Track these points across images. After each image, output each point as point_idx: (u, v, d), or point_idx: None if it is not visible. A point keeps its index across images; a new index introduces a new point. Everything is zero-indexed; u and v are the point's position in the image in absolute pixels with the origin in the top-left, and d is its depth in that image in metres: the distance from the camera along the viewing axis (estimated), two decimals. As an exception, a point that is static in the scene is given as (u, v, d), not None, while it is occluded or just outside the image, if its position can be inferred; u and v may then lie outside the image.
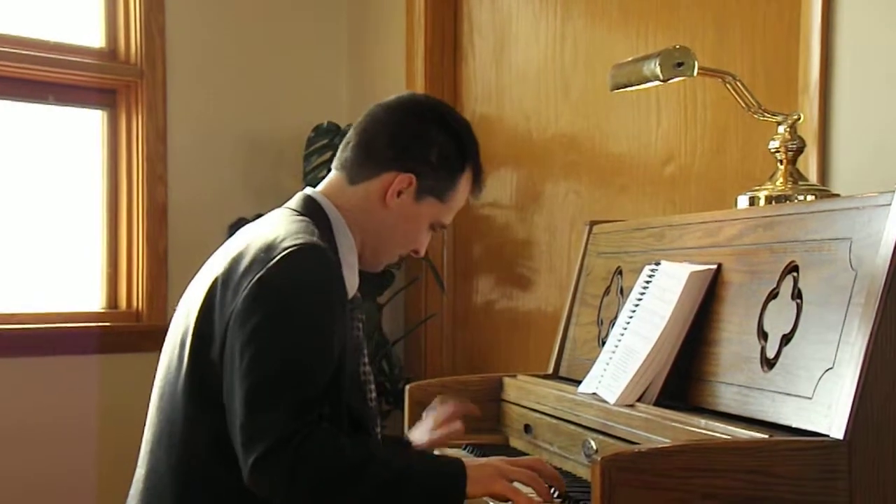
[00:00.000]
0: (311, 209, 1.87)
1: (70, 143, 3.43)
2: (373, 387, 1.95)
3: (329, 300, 1.70)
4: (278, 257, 1.67)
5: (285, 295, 1.66)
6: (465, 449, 2.17)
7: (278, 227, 1.78)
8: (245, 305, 1.65)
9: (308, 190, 1.93)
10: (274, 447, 1.58)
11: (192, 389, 1.72)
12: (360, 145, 1.91)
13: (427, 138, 1.89)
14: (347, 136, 1.95)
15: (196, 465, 1.71)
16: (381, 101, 1.96)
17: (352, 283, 1.86)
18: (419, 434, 2.12)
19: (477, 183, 1.98)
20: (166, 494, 1.73)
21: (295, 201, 1.92)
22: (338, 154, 1.95)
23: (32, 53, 3.25)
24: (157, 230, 3.41)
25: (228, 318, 1.67)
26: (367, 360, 1.94)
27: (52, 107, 3.36)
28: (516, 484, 1.70)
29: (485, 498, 1.79)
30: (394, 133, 1.90)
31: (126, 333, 3.36)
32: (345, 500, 1.63)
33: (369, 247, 1.92)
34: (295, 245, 1.69)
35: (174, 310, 1.87)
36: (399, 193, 1.87)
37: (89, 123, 3.44)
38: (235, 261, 1.74)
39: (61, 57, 3.31)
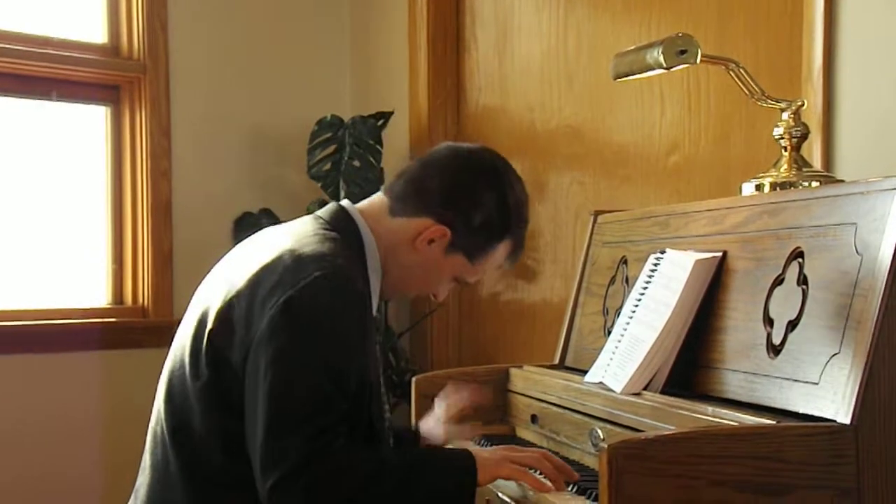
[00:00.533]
0: (342, 224, 1.84)
1: (74, 140, 3.43)
2: (388, 406, 1.95)
3: (355, 326, 1.69)
4: (308, 280, 1.65)
5: (311, 319, 1.65)
6: (472, 440, 2.17)
7: (309, 243, 1.76)
8: (271, 325, 1.64)
9: (345, 203, 1.90)
10: (289, 473, 1.59)
11: (208, 392, 1.71)
12: (413, 181, 1.88)
13: (478, 199, 1.85)
14: (408, 164, 1.92)
15: (208, 462, 1.72)
16: (456, 144, 1.94)
17: (373, 303, 1.85)
18: (431, 425, 2.11)
19: (513, 255, 1.93)
20: (177, 488, 1.74)
21: (327, 212, 1.88)
22: (392, 178, 1.92)
23: (35, 50, 3.25)
24: (161, 226, 3.41)
25: (254, 333, 1.66)
26: (381, 382, 1.92)
27: (56, 103, 3.36)
28: None
29: (496, 492, 1.80)
30: (448, 181, 1.86)
31: (132, 329, 3.37)
32: None
33: (389, 277, 1.89)
34: (324, 269, 1.67)
35: (180, 306, 1.86)
36: (431, 241, 1.84)
37: (93, 120, 3.45)
38: (263, 273, 1.71)
39: (64, 53, 3.31)
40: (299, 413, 1.62)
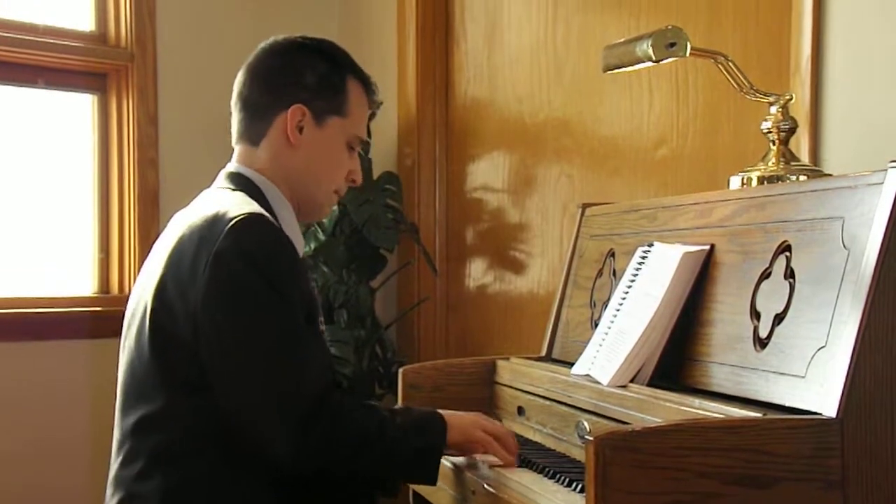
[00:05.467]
0: (239, 183, 1.88)
1: (61, 128, 3.41)
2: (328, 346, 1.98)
3: (288, 257, 1.72)
4: (227, 229, 1.68)
5: (245, 265, 1.67)
6: None
7: (215, 203, 1.78)
8: (209, 286, 1.66)
9: (229, 166, 1.93)
10: (314, 407, 1.65)
11: (164, 378, 1.72)
12: (243, 108, 1.92)
13: (294, 67, 1.90)
14: (231, 113, 1.96)
15: (178, 450, 1.72)
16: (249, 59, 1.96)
17: (298, 243, 1.87)
18: None
19: (368, 88, 1.97)
20: (149, 483, 1.72)
21: (221, 180, 1.91)
22: (232, 131, 1.95)
23: (22, 37, 3.23)
24: (148, 214, 3.40)
25: (195, 301, 1.67)
26: (322, 318, 1.95)
27: (43, 91, 3.34)
28: None
29: (481, 483, 1.80)
30: (263, 79, 1.91)
31: (118, 318, 3.28)
32: (363, 460, 1.70)
33: (301, 196, 1.92)
34: (237, 218, 1.70)
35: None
36: (301, 129, 1.88)
37: (80, 107, 3.43)
38: (182, 244, 1.74)
39: (52, 41, 3.29)
40: (280, 353, 1.66)
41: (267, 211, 1.82)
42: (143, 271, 1.87)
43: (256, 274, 1.67)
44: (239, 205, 1.75)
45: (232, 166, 1.92)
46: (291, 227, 1.87)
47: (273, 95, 1.89)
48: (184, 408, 1.71)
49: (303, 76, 1.88)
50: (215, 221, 1.71)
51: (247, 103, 1.92)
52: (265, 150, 1.89)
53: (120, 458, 1.79)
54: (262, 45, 1.96)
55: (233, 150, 1.96)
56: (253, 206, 1.76)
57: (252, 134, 1.91)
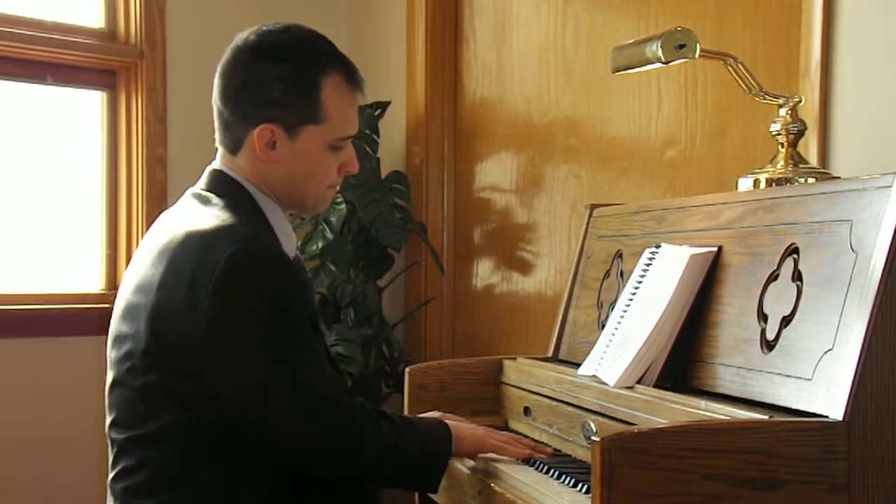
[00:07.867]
0: (226, 187, 1.83)
1: (69, 125, 3.42)
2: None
3: (287, 283, 1.71)
4: (225, 258, 1.64)
5: (248, 294, 1.66)
6: None
7: (206, 219, 1.74)
8: (212, 316, 1.64)
9: (215, 164, 1.87)
10: (342, 412, 1.70)
11: (159, 401, 1.71)
12: (218, 118, 1.86)
13: (259, 80, 1.79)
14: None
15: (177, 467, 1.72)
16: (221, 63, 1.86)
17: (289, 246, 1.84)
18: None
19: (349, 78, 1.83)
20: (147, 499, 1.73)
21: (206, 181, 1.86)
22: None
23: (31, 33, 3.24)
24: (156, 212, 3.35)
25: (197, 332, 1.64)
26: (323, 327, 2.00)
27: (52, 87, 3.35)
28: None
29: (488, 483, 1.80)
30: (230, 95, 1.82)
31: None
32: (381, 468, 1.75)
33: (290, 197, 1.86)
34: (236, 242, 1.66)
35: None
36: (272, 145, 1.79)
37: (89, 104, 3.44)
38: (175, 262, 1.69)
39: (61, 37, 3.30)
40: (299, 365, 1.68)
41: (256, 213, 1.80)
42: (130, 275, 1.81)
43: (260, 298, 1.65)
44: (232, 225, 1.71)
45: (218, 164, 1.88)
46: (282, 230, 1.84)
47: (240, 113, 1.81)
48: (182, 427, 1.70)
49: (269, 90, 1.78)
50: (212, 246, 1.66)
51: (221, 116, 1.85)
52: (244, 160, 1.83)
53: (115, 471, 1.79)
54: (231, 45, 1.86)
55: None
56: (246, 227, 1.72)
57: (229, 144, 1.85)
